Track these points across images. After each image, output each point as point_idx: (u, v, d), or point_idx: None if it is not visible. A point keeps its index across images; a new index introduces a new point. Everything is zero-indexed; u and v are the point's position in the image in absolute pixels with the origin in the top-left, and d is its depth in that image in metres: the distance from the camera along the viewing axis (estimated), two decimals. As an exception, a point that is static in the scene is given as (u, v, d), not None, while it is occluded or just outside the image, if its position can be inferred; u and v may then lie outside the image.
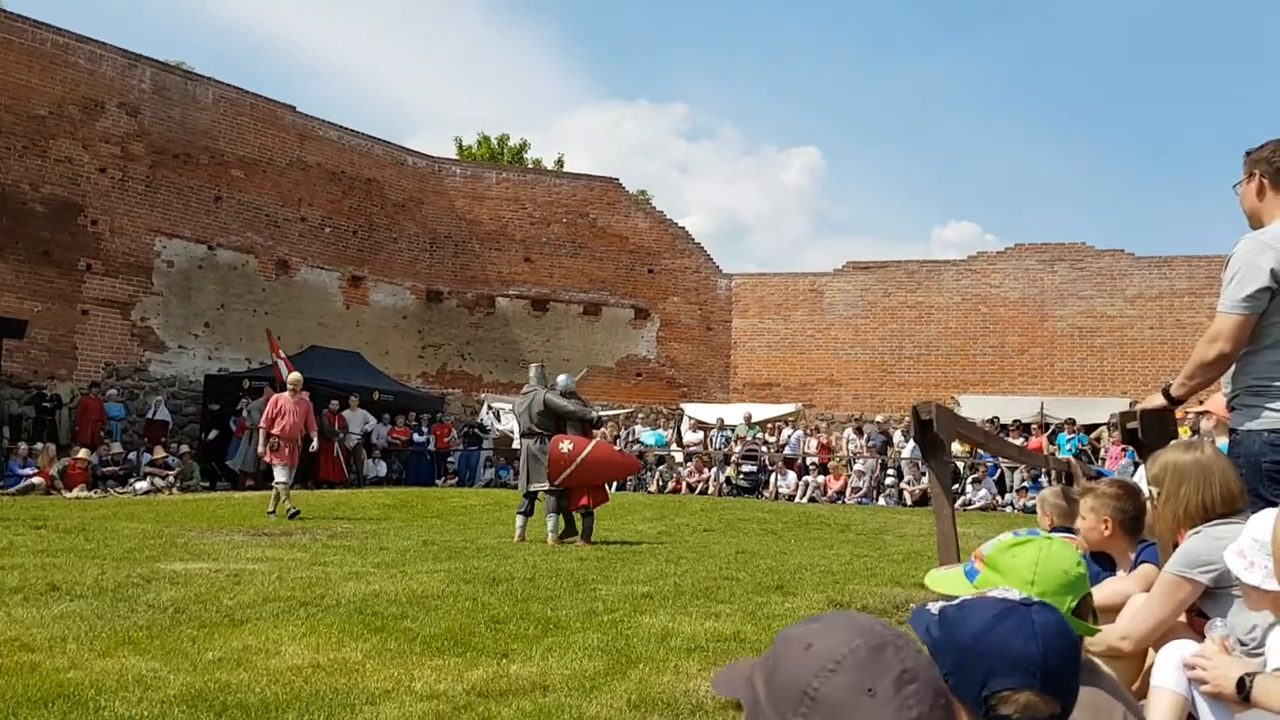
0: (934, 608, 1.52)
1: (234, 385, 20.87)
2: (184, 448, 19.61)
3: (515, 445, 11.03)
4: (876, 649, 1.02)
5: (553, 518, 10.52)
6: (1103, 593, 3.28)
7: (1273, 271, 3.45)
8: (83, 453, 17.73)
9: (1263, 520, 2.71)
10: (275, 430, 12.75)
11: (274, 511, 12.36)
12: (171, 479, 18.45)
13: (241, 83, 24.03)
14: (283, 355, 19.87)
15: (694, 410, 26.03)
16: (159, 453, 18.93)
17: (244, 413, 19.79)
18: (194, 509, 13.96)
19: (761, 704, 1.04)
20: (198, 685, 4.06)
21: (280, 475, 12.68)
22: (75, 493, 16.60)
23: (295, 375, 13.79)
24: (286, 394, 13.15)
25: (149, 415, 20.51)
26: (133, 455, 19.11)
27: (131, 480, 18.19)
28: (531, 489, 10.67)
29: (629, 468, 11.95)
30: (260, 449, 13.11)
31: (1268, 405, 3.48)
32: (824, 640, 1.04)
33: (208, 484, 19.53)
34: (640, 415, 26.63)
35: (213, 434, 20.53)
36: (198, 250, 22.23)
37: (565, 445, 10.51)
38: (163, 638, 4.99)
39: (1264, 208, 3.68)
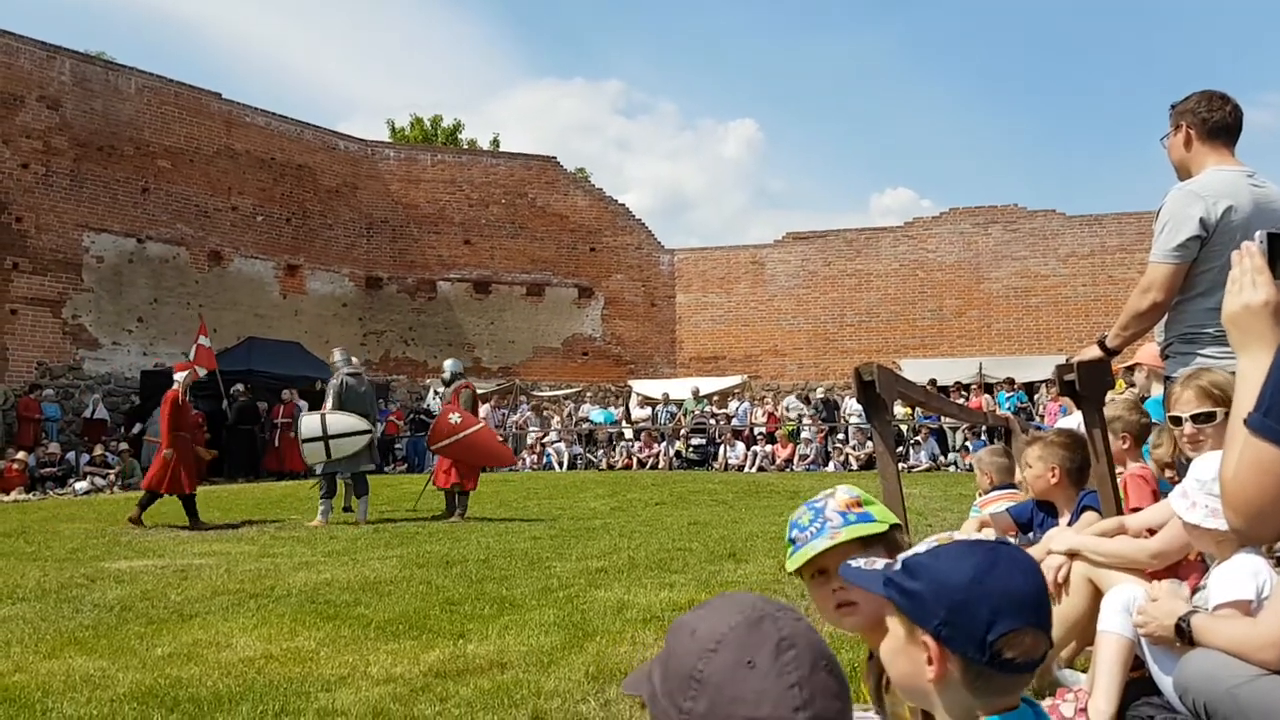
0: (877, 563, 1.50)
1: (171, 380, 20.42)
2: (124, 446, 19.22)
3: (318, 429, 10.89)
4: (754, 623, 1.06)
5: (327, 503, 10.84)
6: (1055, 545, 3.33)
7: (1202, 220, 3.51)
8: (20, 455, 17.30)
9: (1204, 462, 2.78)
10: None
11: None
12: (112, 478, 18.09)
13: (164, 71, 23.48)
14: (204, 343, 19.34)
15: (641, 386, 26.09)
16: (98, 452, 18.54)
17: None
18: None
19: (658, 695, 1.07)
20: (148, 682, 4.00)
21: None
22: (13, 496, 16.21)
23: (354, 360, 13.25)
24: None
25: (86, 414, 20.06)
26: (70, 455, 18.70)
27: (71, 481, 17.81)
28: (362, 469, 11.03)
29: (502, 458, 12.53)
30: None
31: (1200, 352, 3.55)
32: (706, 623, 1.08)
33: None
34: (589, 394, 26.61)
35: (136, 428, 20.10)
36: (127, 244, 21.71)
37: (454, 417, 11.07)
38: (110, 636, 4.90)
39: (1191, 159, 3.75)
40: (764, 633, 1.05)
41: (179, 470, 10.72)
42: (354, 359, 12.27)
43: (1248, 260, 1.73)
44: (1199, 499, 2.70)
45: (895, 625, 1.38)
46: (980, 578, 1.29)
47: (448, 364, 12.17)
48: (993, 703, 1.31)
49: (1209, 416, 3.06)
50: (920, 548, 1.40)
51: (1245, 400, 1.64)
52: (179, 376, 11.48)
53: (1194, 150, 3.73)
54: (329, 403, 11.08)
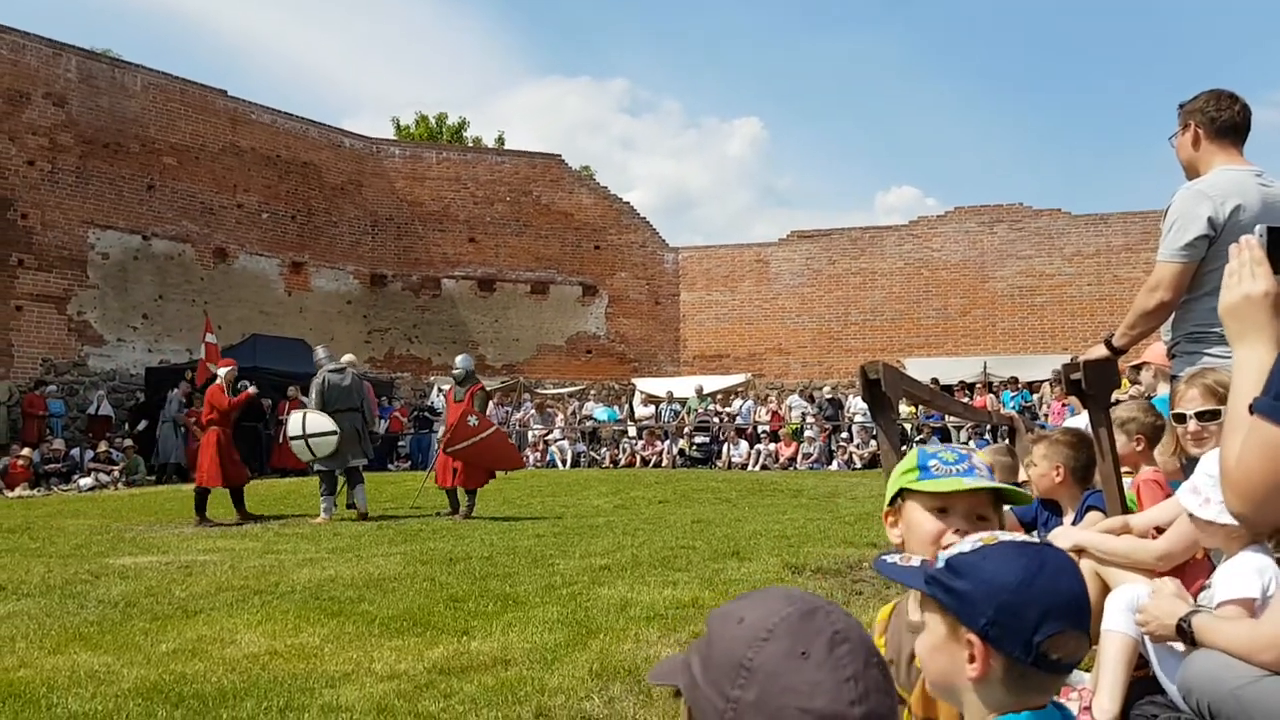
0: (915, 559, 1.50)
1: (176, 377, 20.49)
2: (128, 442, 19.26)
3: (315, 427, 11.07)
4: (807, 614, 1.04)
5: (329, 499, 11.08)
6: (1060, 543, 3.33)
7: (1210, 219, 3.51)
8: (25, 451, 17.34)
9: (1214, 458, 2.76)
10: None
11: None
12: (117, 474, 18.12)
13: (170, 68, 23.53)
14: (210, 340, 19.35)
15: (645, 385, 26.08)
16: (103, 448, 18.57)
17: (169, 403, 19.56)
18: (141, 503, 13.74)
19: (699, 684, 1.04)
20: (152, 678, 4.00)
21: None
22: (17, 492, 16.25)
23: (349, 357, 13.18)
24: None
25: (91, 410, 20.09)
26: (75, 452, 18.73)
27: (75, 477, 17.84)
28: (352, 464, 11.23)
29: (513, 461, 12.36)
30: None
31: (1206, 351, 3.55)
32: (755, 612, 1.05)
33: (154, 478, 19.19)
34: (592, 392, 26.61)
35: (141, 425, 20.16)
36: (132, 241, 21.73)
37: (472, 420, 11.09)
38: (114, 632, 4.91)
39: (1200, 158, 3.74)
40: (817, 624, 1.03)
41: (220, 461, 11.01)
42: (347, 355, 12.49)
43: (1246, 253, 1.72)
44: (1213, 494, 2.68)
45: (935, 623, 1.39)
46: (1030, 580, 1.30)
47: (460, 360, 11.99)
48: (1027, 700, 1.33)
49: (1213, 414, 3.06)
50: (964, 547, 1.41)
51: (1243, 389, 1.64)
52: (222, 372, 11.74)
53: (1202, 150, 3.73)
54: (312, 401, 11.30)
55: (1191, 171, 3.78)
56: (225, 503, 11.51)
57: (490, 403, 24.27)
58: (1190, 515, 2.76)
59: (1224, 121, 3.70)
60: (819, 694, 0.99)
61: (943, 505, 1.96)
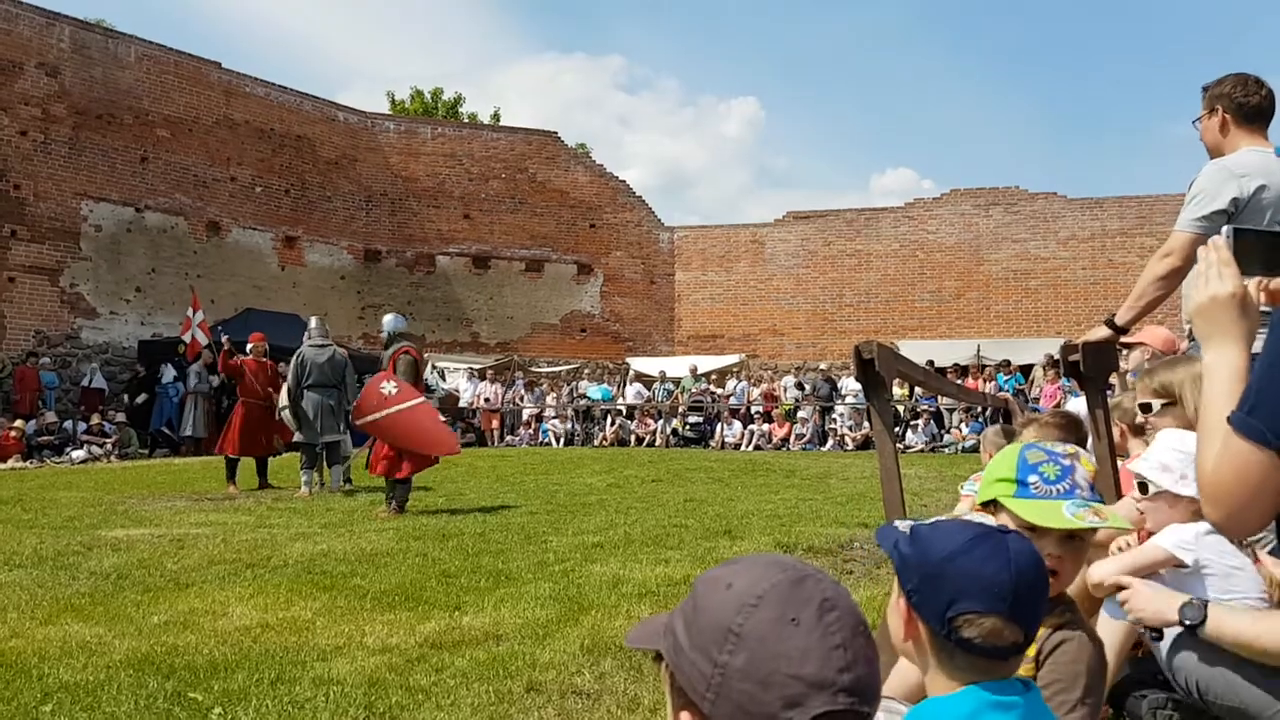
0: (903, 525, 1.53)
1: (169, 350, 20.41)
2: (120, 415, 19.22)
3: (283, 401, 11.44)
4: (797, 582, 1.04)
5: (309, 472, 11.14)
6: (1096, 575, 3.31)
7: (1234, 200, 3.54)
8: (17, 423, 17.30)
9: (1169, 435, 2.79)
10: None
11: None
12: (109, 447, 18.10)
13: (164, 40, 23.36)
14: (193, 316, 19.24)
15: (639, 364, 26.09)
16: (95, 421, 18.54)
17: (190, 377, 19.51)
18: (134, 476, 13.72)
19: (684, 649, 1.05)
20: (144, 649, 4.01)
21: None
22: (10, 464, 16.22)
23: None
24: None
25: (84, 383, 20.05)
26: (68, 424, 18.71)
27: (68, 449, 17.81)
28: (325, 440, 11.26)
29: (439, 444, 9.32)
30: None
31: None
32: (744, 578, 1.06)
33: (146, 451, 19.16)
34: (586, 371, 26.61)
35: (141, 398, 20.10)
36: (125, 213, 21.63)
37: (388, 387, 9.02)
38: (106, 604, 4.91)
39: (1226, 142, 3.77)
40: (807, 591, 1.03)
41: (240, 432, 11.49)
42: (333, 328, 12.62)
43: (1214, 254, 1.72)
44: (1189, 471, 2.68)
45: (896, 585, 1.45)
46: (954, 557, 1.35)
47: (387, 320, 10.34)
48: (965, 677, 1.36)
49: (1147, 407, 3.11)
50: (931, 519, 1.48)
51: (1214, 394, 1.63)
52: (251, 346, 12.13)
53: (1230, 135, 3.76)
54: (289, 377, 11.39)
55: (1216, 154, 3.81)
56: (218, 476, 11.50)
57: (483, 380, 24.28)
58: (1161, 491, 2.76)
59: (1251, 106, 3.74)
60: (808, 660, 1.00)
61: (1034, 525, 1.87)
